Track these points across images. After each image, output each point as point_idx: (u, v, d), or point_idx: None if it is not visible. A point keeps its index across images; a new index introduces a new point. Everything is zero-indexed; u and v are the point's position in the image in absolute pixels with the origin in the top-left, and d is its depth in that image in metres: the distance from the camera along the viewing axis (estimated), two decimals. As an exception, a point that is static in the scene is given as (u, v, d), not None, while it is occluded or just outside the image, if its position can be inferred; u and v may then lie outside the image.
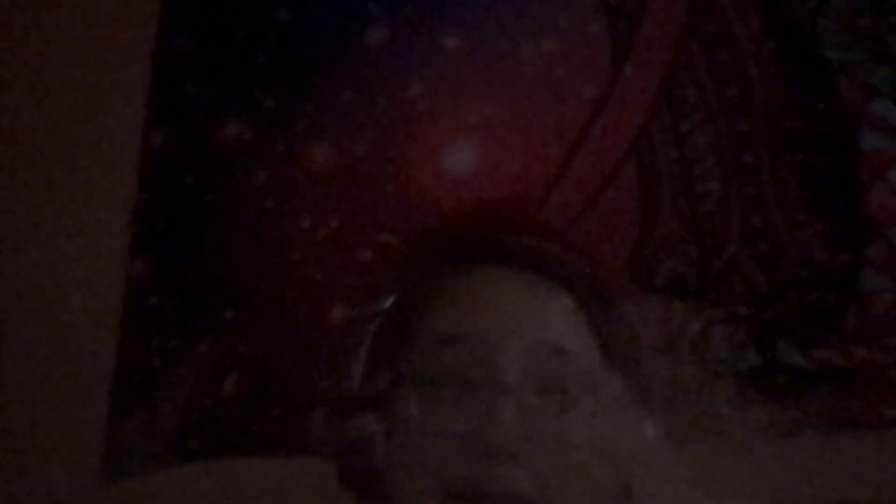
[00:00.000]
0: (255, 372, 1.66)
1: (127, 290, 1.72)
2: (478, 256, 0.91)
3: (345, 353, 0.92)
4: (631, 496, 0.87)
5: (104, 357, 1.69)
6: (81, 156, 1.76)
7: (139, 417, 1.68)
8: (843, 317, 1.51)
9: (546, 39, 1.67)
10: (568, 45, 1.66)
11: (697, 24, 1.63)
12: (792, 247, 1.55)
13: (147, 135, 1.77)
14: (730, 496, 0.90)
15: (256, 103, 1.74)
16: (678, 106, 1.62)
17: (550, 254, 0.91)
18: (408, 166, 1.67)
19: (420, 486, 0.85)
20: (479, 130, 1.66)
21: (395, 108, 1.69)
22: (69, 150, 1.77)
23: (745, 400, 1.16)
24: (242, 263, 1.70)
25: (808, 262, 1.54)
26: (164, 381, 1.69)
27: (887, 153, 1.55)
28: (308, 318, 1.65)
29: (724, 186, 1.59)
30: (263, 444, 1.63)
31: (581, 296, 0.90)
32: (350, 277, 1.64)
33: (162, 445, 1.66)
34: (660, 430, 0.70)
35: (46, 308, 1.72)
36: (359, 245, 1.66)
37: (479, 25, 1.69)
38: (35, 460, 1.67)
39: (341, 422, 0.89)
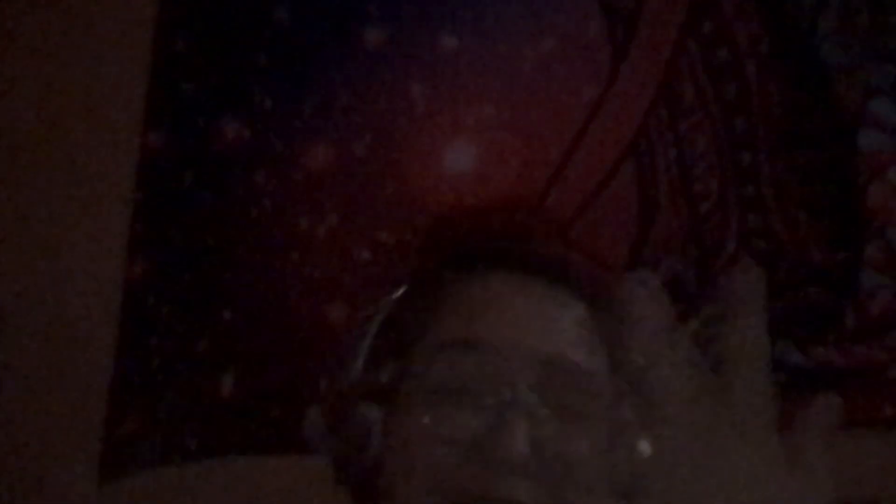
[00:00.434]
0: (254, 371, 1.66)
1: (126, 291, 1.72)
2: (492, 262, 0.90)
3: (344, 350, 0.92)
4: None
5: (103, 357, 1.70)
6: (81, 156, 1.76)
7: (138, 417, 1.68)
8: (842, 316, 1.51)
9: (545, 40, 1.67)
10: (567, 45, 1.67)
11: (696, 24, 1.64)
12: (790, 246, 1.55)
13: (146, 135, 1.77)
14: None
15: (255, 104, 1.74)
16: (677, 106, 1.62)
17: (567, 262, 0.90)
18: (407, 166, 1.68)
19: (418, 490, 0.85)
20: (479, 130, 1.67)
21: (395, 108, 1.69)
22: (68, 150, 1.77)
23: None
24: (241, 263, 1.70)
25: (807, 261, 1.54)
26: (163, 380, 1.69)
27: (885, 153, 1.55)
28: (307, 318, 1.65)
29: (722, 186, 1.59)
30: (262, 444, 1.62)
31: (594, 306, 0.89)
32: (349, 277, 1.65)
33: (161, 445, 1.66)
34: (665, 443, 0.70)
35: (46, 308, 1.72)
36: (358, 245, 1.66)
37: (478, 26, 1.69)
38: (35, 460, 1.67)
39: (340, 411, 0.88)
